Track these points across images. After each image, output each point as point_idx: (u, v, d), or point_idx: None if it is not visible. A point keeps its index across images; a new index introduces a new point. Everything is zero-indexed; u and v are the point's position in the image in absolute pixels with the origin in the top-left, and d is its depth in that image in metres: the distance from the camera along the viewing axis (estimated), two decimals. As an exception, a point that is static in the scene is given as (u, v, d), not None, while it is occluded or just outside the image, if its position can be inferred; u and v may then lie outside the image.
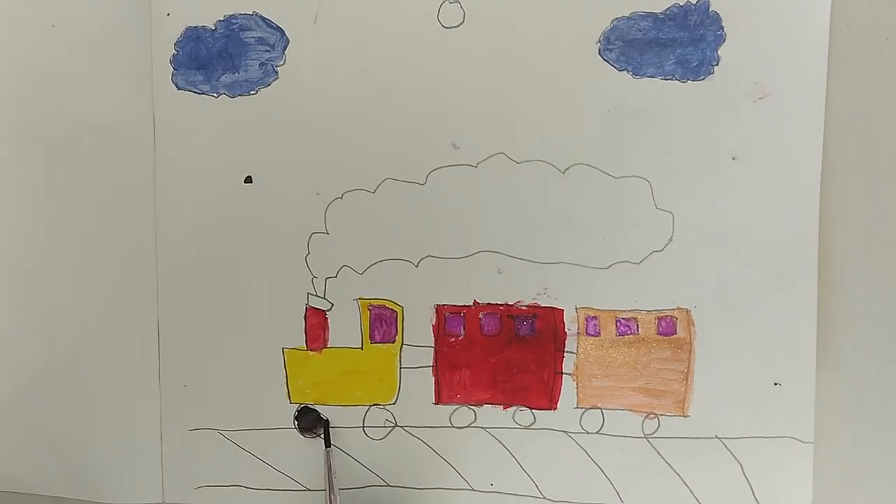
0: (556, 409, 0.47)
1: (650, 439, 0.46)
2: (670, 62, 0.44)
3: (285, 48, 0.46)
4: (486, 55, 0.45)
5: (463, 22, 0.45)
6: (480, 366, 0.47)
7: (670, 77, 0.44)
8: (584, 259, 0.46)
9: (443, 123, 0.46)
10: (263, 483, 0.49)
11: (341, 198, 0.47)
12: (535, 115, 0.45)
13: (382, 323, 0.47)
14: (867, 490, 0.45)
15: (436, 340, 0.47)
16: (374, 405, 0.48)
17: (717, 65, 0.44)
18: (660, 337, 0.46)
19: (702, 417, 0.46)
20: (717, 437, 0.46)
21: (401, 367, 0.48)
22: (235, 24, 0.46)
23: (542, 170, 0.46)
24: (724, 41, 0.43)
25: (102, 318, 0.49)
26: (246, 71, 0.46)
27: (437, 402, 0.48)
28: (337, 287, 0.47)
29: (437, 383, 0.48)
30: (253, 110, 0.46)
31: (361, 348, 0.48)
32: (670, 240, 0.45)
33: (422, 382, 0.48)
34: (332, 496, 0.46)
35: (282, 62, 0.46)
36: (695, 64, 0.44)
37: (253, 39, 0.46)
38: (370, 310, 0.47)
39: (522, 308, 0.47)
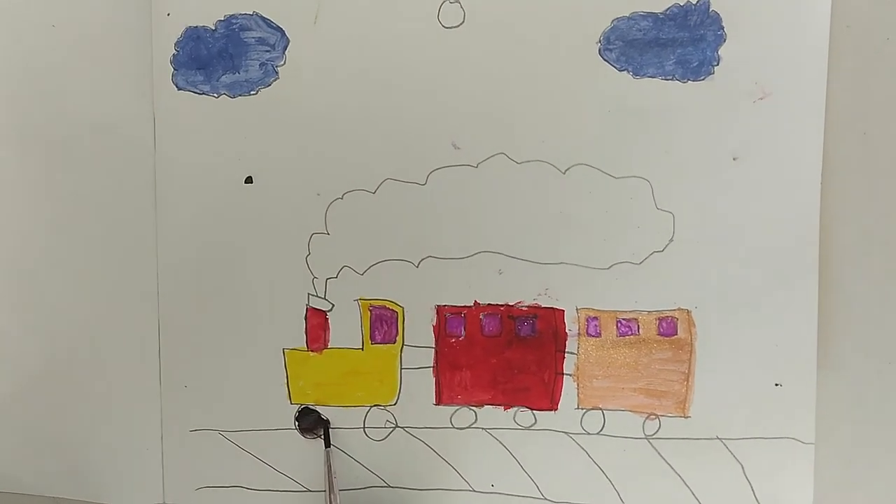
0: (556, 409, 0.48)
1: (651, 440, 0.47)
2: (670, 62, 0.45)
3: (285, 48, 0.46)
4: (486, 55, 0.46)
5: (463, 22, 0.46)
6: (481, 366, 0.48)
7: (670, 77, 0.45)
8: (584, 259, 0.47)
9: (443, 124, 0.47)
10: (264, 484, 0.50)
11: (342, 198, 0.48)
12: (535, 116, 0.46)
13: (383, 323, 0.48)
14: (868, 490, 0.46)
15: (436, 341, 0.48)
16: (374, 406, 0.49)
17: (718, 65, 0.44)
18: (661, 337, 0.47)
19: (703, 418, 0.46)
20: (717, 437, 0.46)
21: (401, 368, 0.49)
22: (235, 24, 0.47)
23: (543, 170, 0.46)
24: (725, 41, 0.44)
25: (103, 319, 0.49)
26: (246, 71, 0.47)
27: (438, 402, 0.49)
28: (337, 287, 0.48)
29: (437, 384, 0.49)
30: (253, 110, 0.47)
31: (362, 349, 0.49)
32: (671, 240, 0.46)
33: (422, 383, 0.49)
34: (332, 496, 0.47)
35: (282, 62, 0.47)
36: (695, 64, 0.45)
37: (253, 39, 0.46)
38: (371, 310, 0.48)
39: (523, 309, 0.48)
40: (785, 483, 0.46)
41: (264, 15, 0.47)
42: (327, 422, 0.49)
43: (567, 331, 0.47)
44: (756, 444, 0.46)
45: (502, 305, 0.48)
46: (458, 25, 0.46)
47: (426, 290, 0.48)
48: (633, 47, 0.45)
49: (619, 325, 0.47)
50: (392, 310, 0.48)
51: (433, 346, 0.48)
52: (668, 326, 0.47)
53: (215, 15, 0.47)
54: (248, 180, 0.48)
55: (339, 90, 0.47)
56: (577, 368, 0.48)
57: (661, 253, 0.46)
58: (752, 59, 0.44)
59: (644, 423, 0.47)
